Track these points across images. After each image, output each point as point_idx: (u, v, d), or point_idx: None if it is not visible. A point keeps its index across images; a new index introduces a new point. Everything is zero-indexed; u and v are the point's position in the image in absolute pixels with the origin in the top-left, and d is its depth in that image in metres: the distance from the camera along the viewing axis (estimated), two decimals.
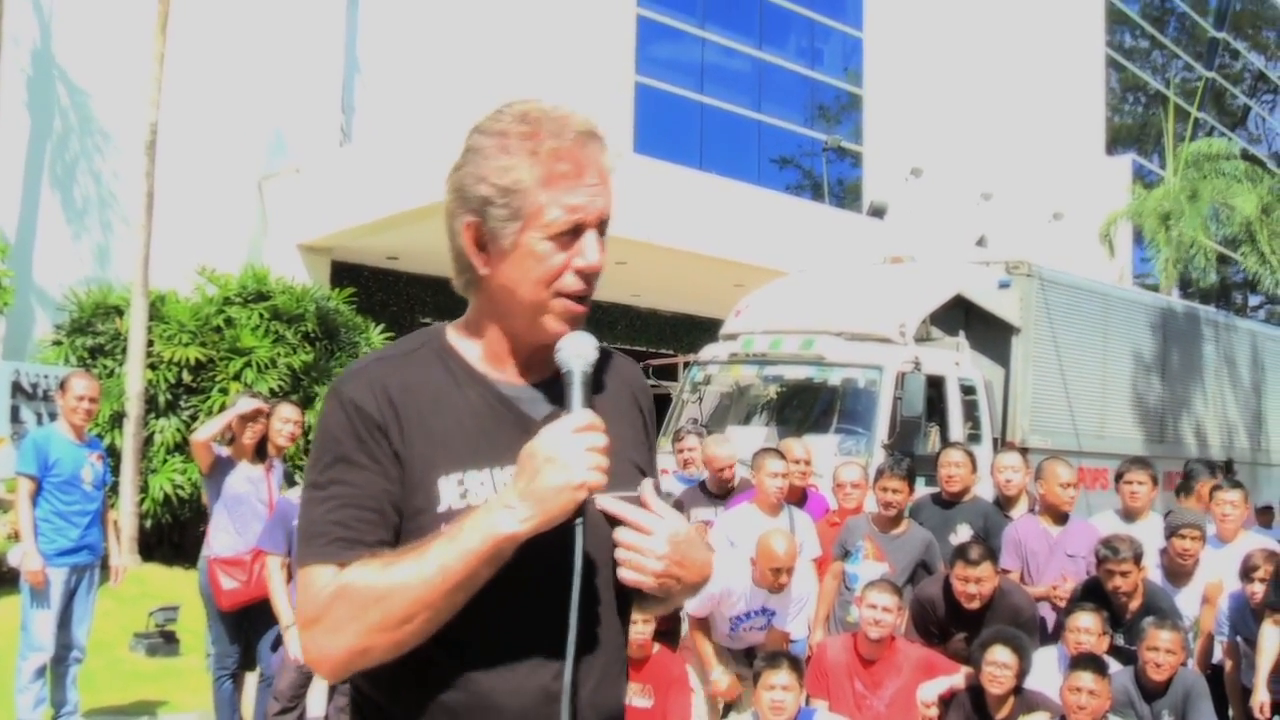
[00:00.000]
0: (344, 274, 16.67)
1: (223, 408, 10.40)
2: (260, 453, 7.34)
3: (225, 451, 7.28)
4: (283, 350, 12.70)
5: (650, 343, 19.00)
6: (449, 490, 1.88)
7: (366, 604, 1.76)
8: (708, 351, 11.73)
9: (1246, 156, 30.56)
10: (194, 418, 12.02)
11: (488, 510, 1.79)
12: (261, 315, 12.81)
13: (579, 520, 1.84)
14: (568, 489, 1.79)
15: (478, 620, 1.82)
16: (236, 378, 12.14)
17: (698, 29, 21.73)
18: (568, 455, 1.79)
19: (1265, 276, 22.83)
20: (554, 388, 1.96)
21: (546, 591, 1.86)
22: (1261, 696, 6.60)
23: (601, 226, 1.93)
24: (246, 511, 7.16)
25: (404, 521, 1.88)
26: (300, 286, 13.73)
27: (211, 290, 13.32)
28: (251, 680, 7.25)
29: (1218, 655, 7.27)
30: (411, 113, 17.03)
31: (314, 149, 16.80)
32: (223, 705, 7.16)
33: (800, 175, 24.21)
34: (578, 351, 1.92)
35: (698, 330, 19.13)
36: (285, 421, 7.39)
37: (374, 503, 1.86)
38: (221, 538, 7.07)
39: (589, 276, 1.93)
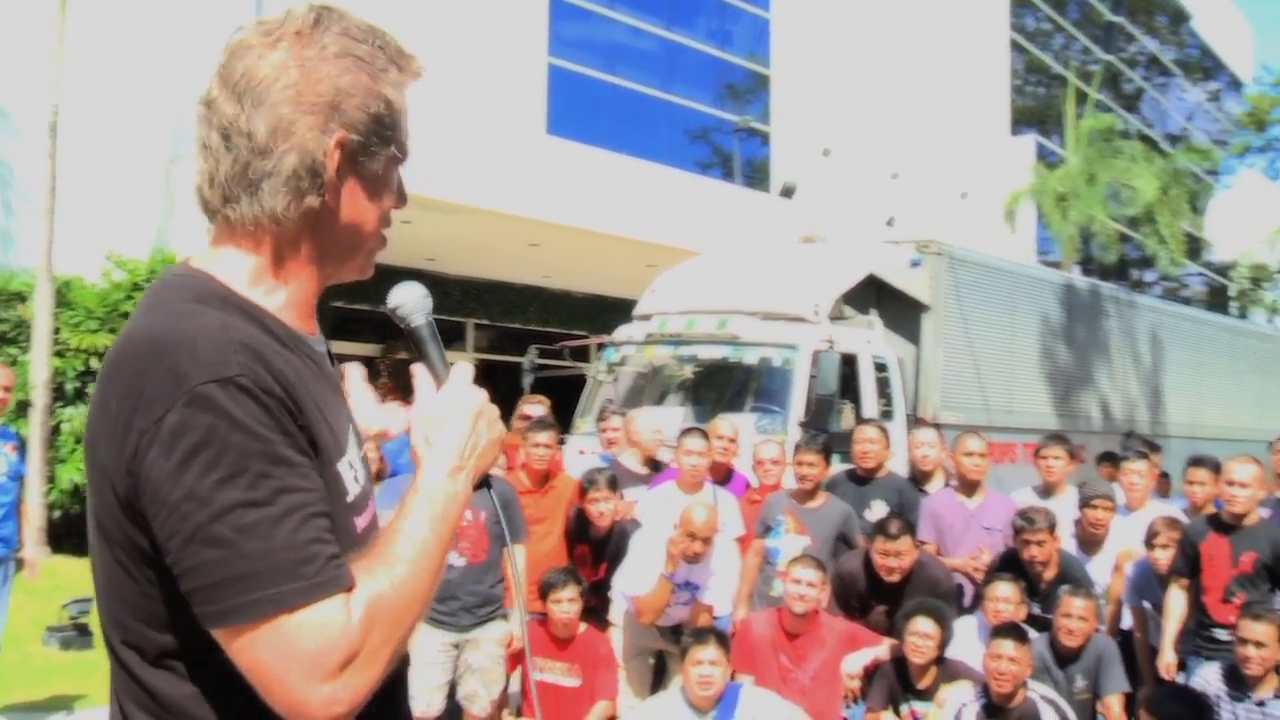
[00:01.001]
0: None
1: None
2: None
3: None
4: None
5: (563, 324, 18.95)
6: (348, 476, 1.66)
7: (402, 616, 1.52)
8: (623, 332, 11.73)
9: (1142, 138, 31.29)
10: None
11: (444, 475, 1.65)
12: None
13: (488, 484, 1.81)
14: (498, 442, 1.76)
15: None
16: None
17: (608, 10, 21.69)
18: (491, 407, 1.75)
19: (1163, 256, 23.40)
20: (320, 341, 1.79)
21: None
22: (1169, 657, 6.81)
23: None
24: None
25: None
26: None
27: (119, 275, 13.06)
28: None
29: (1127, 621, 7.48)
30: None
31: None
32: None
33: (710, 155, 24.28)
34: (419, 305, 1.82)
35: (610, 311, 19.13)
36: None
37: (327, 506, 1.52)
38: None
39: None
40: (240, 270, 1.65)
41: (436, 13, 17.68)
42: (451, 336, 19.24)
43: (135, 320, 1.61)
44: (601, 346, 12.39)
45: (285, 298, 1.68)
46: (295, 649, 1.41)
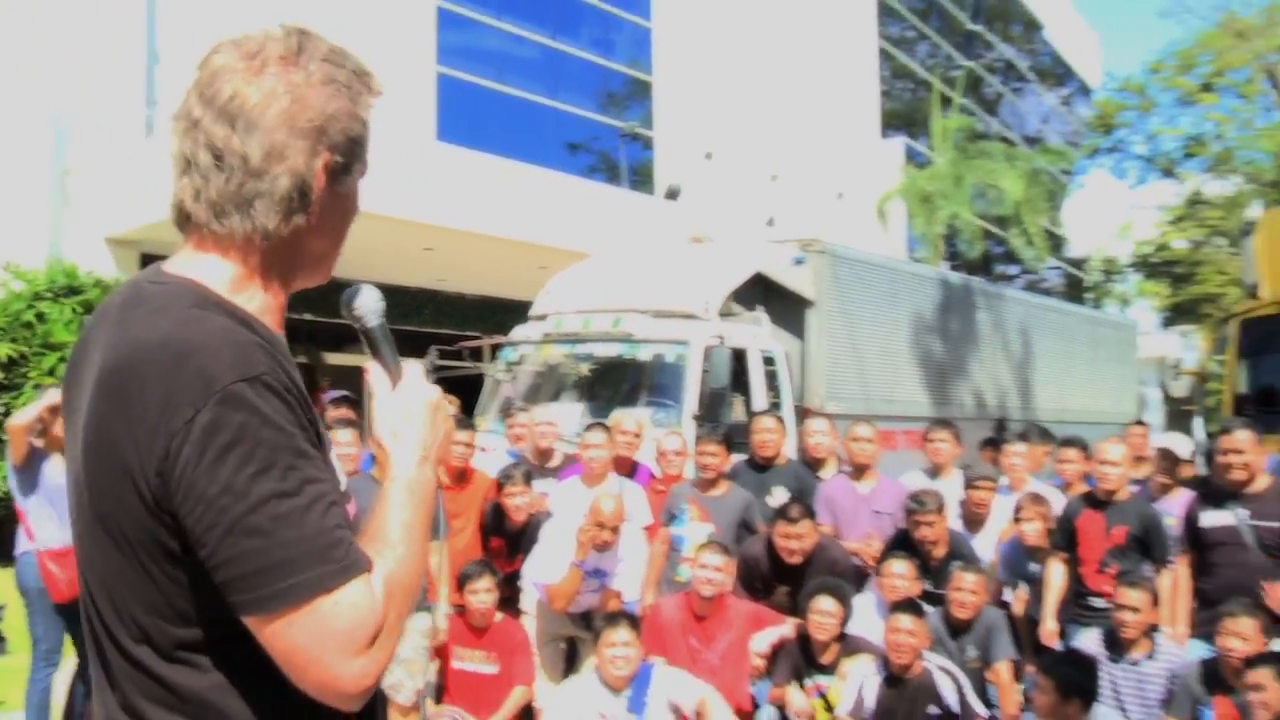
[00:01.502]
0: (148, 268, 16.00)
1: None
2: None
3: (39, 443, 6.98)
4: None
5: (456, 325, 18.86)
6: (337, 468, 1.81)
7: (408, 592, 1.59)
8: (519, 332, 11.72)
9: (1002, 139, 32.04)
10: (7, 414, 11.47)
11: (415, 464, 1.71)
12: (74, 310, 12.33)
13: None
14: (452, 434, 1.86)
15: None
16: (50, 373, 11.67)
17: (495, 20, 21.62)
18: (444, 404, 1.81)
19: (1029, 254, 24.00)
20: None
21: None
22: (1051, 625, 7.04)
23: None
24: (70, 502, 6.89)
25: None
26: (112, 279, 13.24)
27: (19, 286, 12.71)
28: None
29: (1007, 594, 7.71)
30: None
31: (118, 142, 16.13)
32: (43, 701, 6.88)
33: (595, 159, 24.32)
34: (374, 307, 1.85)
35: (503, 312, 19.07)
36: None
37: (338, 494, 1.59)
38: (48, 529, 6.77)
39: None
40: (223, 278, 1.68)
41: (327, 23, 17.44)
42: (348, 339, 19.05)
43: (136, 327, 1.60)
44: (498, 347, 12.36)
45: (263, 304, 1.71)
46: (331, 629, 1.47)
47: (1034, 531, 7.35)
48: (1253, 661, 5.50)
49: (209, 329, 1.56)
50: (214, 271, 1.68)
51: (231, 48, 1.69)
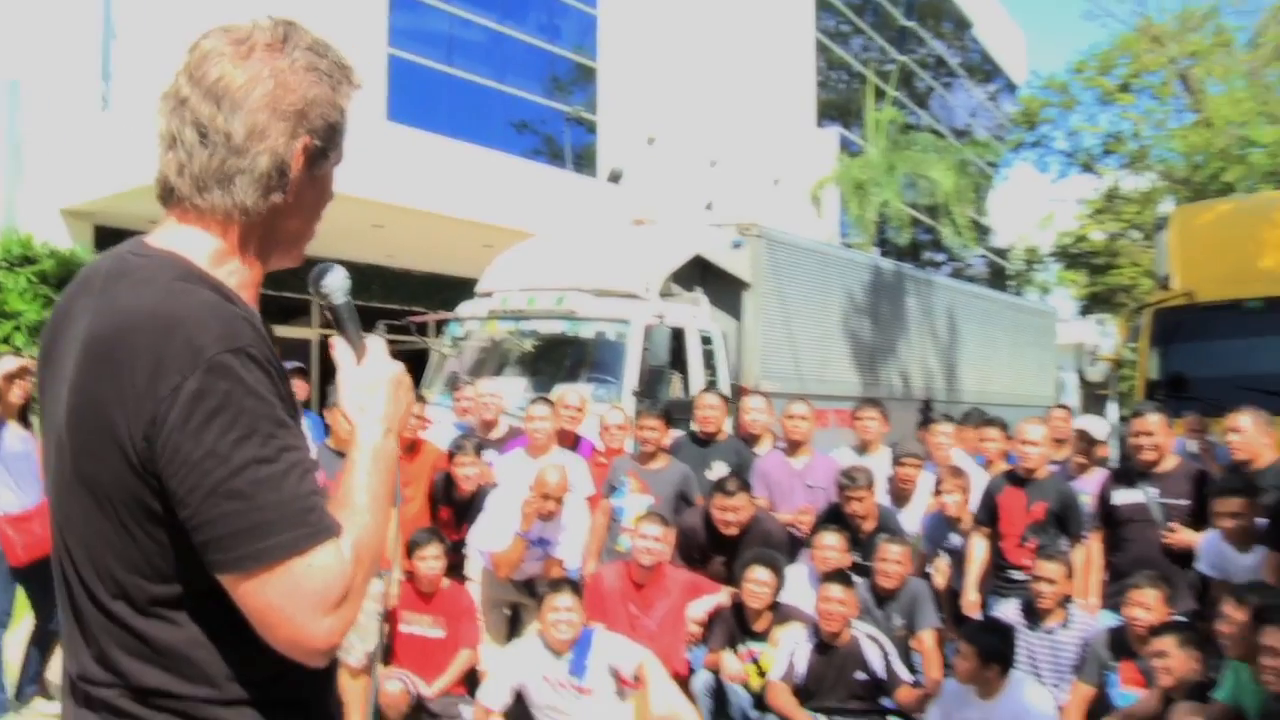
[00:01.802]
0: (107, 238, 15.72)
1: None
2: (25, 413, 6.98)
3: None
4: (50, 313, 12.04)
5: (404, 301, 18.72)
6: (309, 437, 1.85)
7: (373, 555, 1.64)
8: (466, 308, 11.70)
9: (932, 132, 32.32)
10: None
11: (380, 435, 1.75)
12: (29, 280, 12.12)
13: None
14: (411, 406, 1.89)
15: None
16: (5, 341, 11.46)
17: (445, 4, 21.46)
18: (406, 378, 1.85)
19: (958, 243, 24.28)
20: None
21: None
22: (972, 596, 7.19)
23: None
24: (26, 469, 6.82)
25: None
26: (67, 250, 13.03)
27: None
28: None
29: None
30: (170, 78, 16.29)
31: (74, 115, 15.87)
32: None
33: (540, 142, 24.24)
34: (340, 285, 1.89)
35: (449, 289, 18.96)
36: None
37: (311, 462, 1.63)
38: (5, 495, 6.72)
39: None
40: (205, 252, 1.72)
41: (282, 4, 17.28)
42: (296, 312, 18.89)
43: (123, 296, 1.63)
44: (444, 322, 12.33)
45: (242, 278, 1.75)
46: (303, 589, 1.52)
47: (954, 503, 7.50)
48: (1157, 630, 5.67)
49: (195, 301, 1.60)
50: (196, 245, 1.72)
51: (221, 33, 1.74)
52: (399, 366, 1.85)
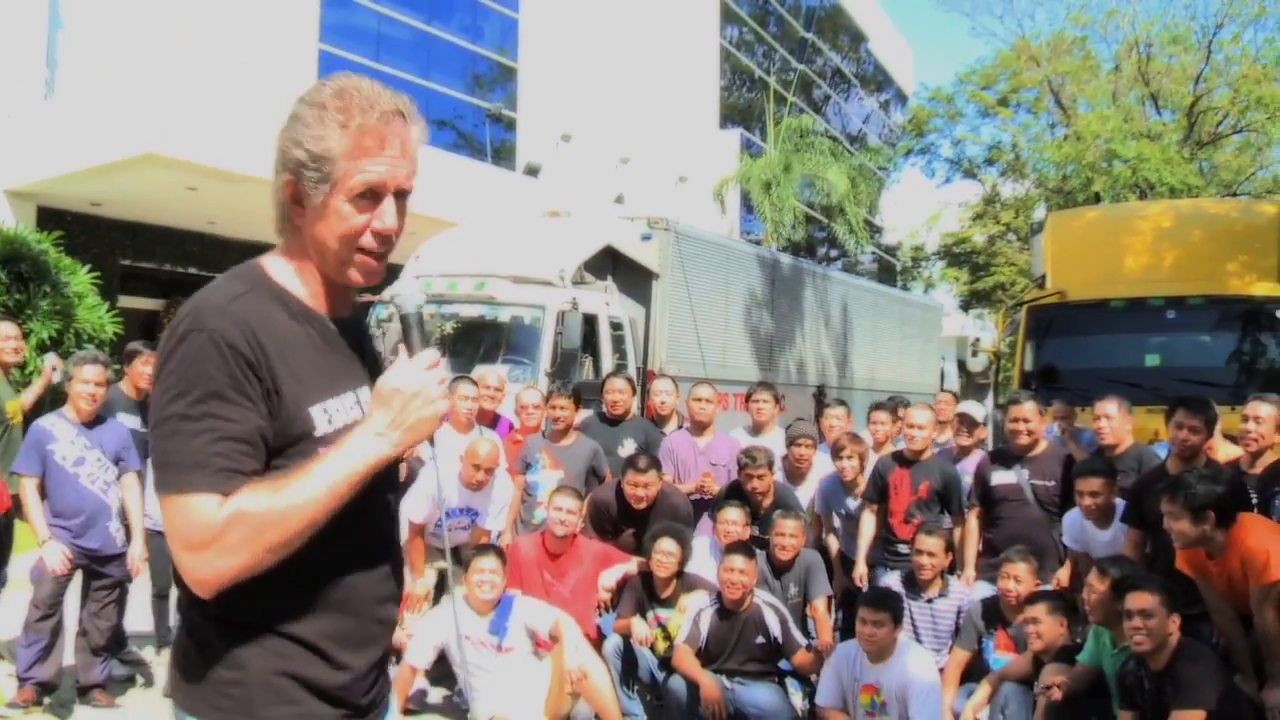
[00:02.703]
0: (49, 218, 15.52)
1: None
2: None
3: None
4: None
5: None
6: (319, 417, 1.91)
7: (263, 527, 1.76)
8: (390, 292, 11.59)
9: (829, 136, 32.62)
10: None
11: (363, 437, 1.86)
12: None
13: (433, 443, 2.01)
14: (435, 419, 1.91)
15: (333, 528, 1.85)
16: None
17: (374, 4, 21.23)
18: (431, 390, 1.90)
19: (851, 241, 24.59)
20: (355, 324, 2.13)
21: (375, 502, 1.99)
22: (861, 569, 7.31)
23: (400, 195, 1.96)
24: None
25: (285, 449, 1.87)
26: (11, 230, 12.68)
27: None
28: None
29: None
30: (113, 68, 15.93)
31: (18, 100, 15.48)
32: None
33: (459, 136, 24.07)
34: (412, 299, 2.04)
35: None
36: (6, 339, 6.95)
37: (248, 436, 1.81)
38: None
39: (384, 237, 1.95)
40: (280, 266, 2.02)
41: (219, 2, 16.97)
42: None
43: None
44: (369, 305, 12.22)
45: (301, 286, 2.00)
46: (174, 522, 1.79)
47: (851, 468, 7.60)
48: (1030, 599, 5.85)
49: (216, 296, 1.89)
50: (274, 260, 2.02)
51: None
52: (422, 380, 1.90)
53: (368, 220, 1.93)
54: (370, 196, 1.92)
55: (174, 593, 6.06)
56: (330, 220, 1.93)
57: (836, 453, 7.69)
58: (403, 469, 7.21)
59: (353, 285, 2.02)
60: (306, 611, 1.90)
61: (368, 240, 1.94)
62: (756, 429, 8.54)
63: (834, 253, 37.36)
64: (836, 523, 7.85)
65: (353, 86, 1.92)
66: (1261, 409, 6.02)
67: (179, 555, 1.78)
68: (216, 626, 1.88)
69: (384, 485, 2.02)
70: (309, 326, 1.97)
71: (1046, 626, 5.63)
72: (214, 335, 1.80)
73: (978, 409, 8.39)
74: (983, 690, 5.93)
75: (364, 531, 1.97)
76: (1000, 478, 7.05)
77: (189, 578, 1.78)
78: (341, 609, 1.94)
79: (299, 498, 1.77)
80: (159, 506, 1.85)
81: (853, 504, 7.62)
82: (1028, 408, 7.06)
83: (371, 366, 2.12)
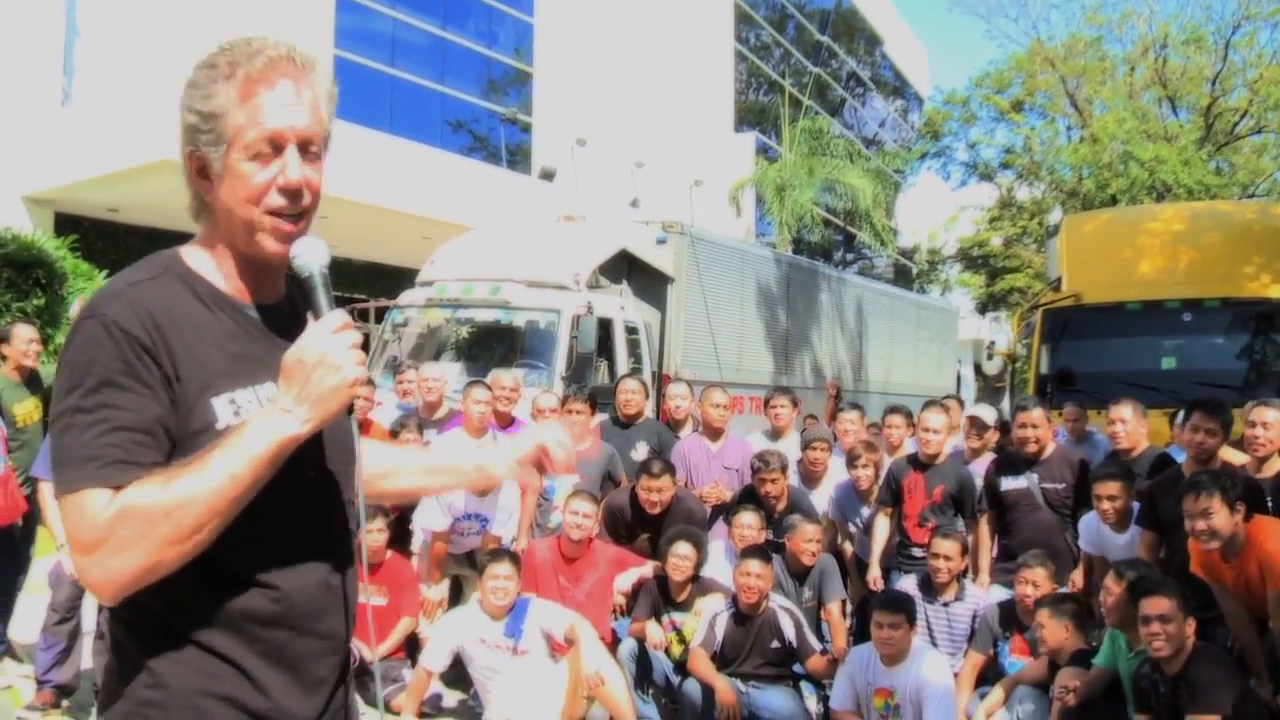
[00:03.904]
0: (66, 224, 15.68)
1: None
2: None
3: None
4: (15, 296, 11.90)
5: (345, 288, 18.55)
6: (223, 409, 1.74)
7: (154, 520, 1.60)
8: (406, 296, 11.67)
9: (845, 140, 32.61)
10: None
11: (267, 416, 1.69)
12: None
13: (351, 413, 1.80)
14: (344, 387, 1.71)
15: (255, 520, 1.70)
16: None
17: (390, 9, 21.32)
18: (336, 356, 1.70)
19: (875, 247, 24.56)
20: (282, 309, 1.92)
21: (313, 488, 1.86)
22: (875, 572, 7.29)
23: (305, 145, 1.79)
24: None
25: (184, 442, 1.70)
26: (29, 235, 12.80)
27: None
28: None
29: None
30: (129, 76, 16.06)
31: (35, 107, 15.63)
32: None
33: (475, 141, 24.15)
34: (314, 256, 1.82)
35: (389, 277, 18.86)
36: (29, 343, 7.00)
37: (145, 425, 1.66)
38: None
39: (293, 192, 1.78)
40: (194, 252, 1.88)
41: (232, 6, 17.05)
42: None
43: None
44: (384, 309, 12.27)
45: (215, 271, 1.86)
46: (69, 523, 1.66)
47: (866, 476, 7.59)
48: (1036, 604, 5.85)
49: (116, 282, 1.80)
50: (192, 246, 1.89)
51: None
52: (332, 344, 1.71)
53: (271, 178, 1.77)
54: (273, 149, 1.76)
55: None
56: (232, 183, 1.77)
57: (851, 461, 7.68)
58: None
59: (270, 258, 1.82)
60: (231, 623, 1.74)
61: (274, 199, 1.77)
62: (775, 434, 8.55)
63: (850, 256, 37.32)
64: (851, 529, 7.84)
65: (240, 39, 1.80)
66: (1268, 414, 5.98)
67: (75, 559, 1.64)
68: (138, 641, 1.74)
69: (324, 482, 1.88)
70: (221, 313, 1.80)
71: (1050, 631, 5.62)
72: (105, 320, 1.67)
73: (988, 412, 8.36)
74: (997, 693, 5.92)
75: (294, 532, 1.80)
76: (1009, 484, 7.03)
77: (85, 582, 1.65)
78: (271, 621, 1.78)
79: (195, 487, 1.61)
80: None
81: (867, 512, 7.61)
82: (1035, 414, 7.03)
83: None
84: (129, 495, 1.61)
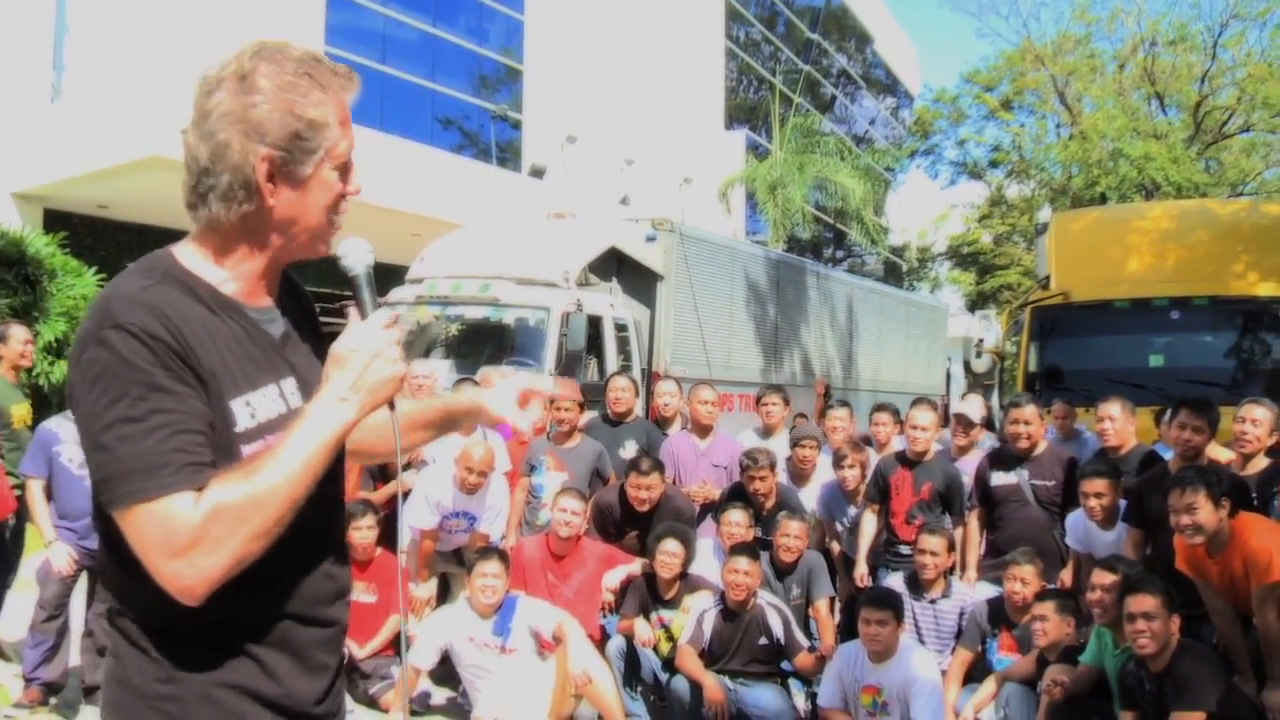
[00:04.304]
0: (55, 220, 15.62)
1: None
2: None
3: None
4: (4, 293, 11.86)
5: (335, 285, 18.19)
6: (242, 411, 1.80)
7: (245, 515, 1.65)
8: (396, 293, 11.64)
9: (835, 137, 32.63)
10: None
11: (326, 403, 1.78)
12: None
13: (393, 407, 1.90)
14: (395, 379, 1.84)
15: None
16: None
17: (380, 6, 21.29)
18: (389, 350, 1.82)
19: (866, 245, 24.60)
20: (275, 311, 1.96)
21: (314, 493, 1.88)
22: (862, 568, 7.32)
23: None
24: None
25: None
26: (16, 231, 12.76)
27: None
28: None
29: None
30: (119, 73, 16.02)
31: (24, 104, 15.57)
32: None
33: (464, 138, 24.13)
34: (360, 256, 1.94)
35: (378, 275, 18.24)
36: (26, 344, 6.99)
37: (200, 425, 1.71)
38: None
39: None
40: (191, 252, 1.87)
41: (223, 4, 17.02)
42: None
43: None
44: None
45: (227, 275, 1.87)
46: (150, 532, 1.65)
47: (853, 476, 7.61)
48: (1040, 596, 5.88)
49: (121, 288, 1.76)
50: (189, 249, 1.88)
51: (211, 65, 1.84)
52: (381, 339, 1.83)
53: (344, 186, 1.89)
54: (348, 162, 1.89)
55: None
56: (316, 191, 1.85)
57: (838, 461, 7.69)
58: (409, 476, 7.26)
59: (317, 258, 1.94)
60: (241, 616, 1.79)
61: (341, 207, 1.91)
62: (767, 431, 8.55)
63: (839, 253, 37.38)
64: (839, 529, 7.86)
65: (311, 54, 1.87)
66: (1256, 411, 6.03)
67: (160, 565, 1.64)
68: (147, 636, 1.79)
69: (324, 476, 1.88)
70: (225, 316, 1.83)
71: (1053, 625, 5.65)
72: (133, 329, 1.68)
73: (974, 409, 8.38)
74: (986, 688, 5.95)
75: (299, 526, 1.82)
76: (1000, 479, 7.06)
77: (174, 586, 1.65)
78: (280, 613, 1.85)
79: (276, 477, 1.68)
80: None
81: (854, 512, 7.63)
82: (1028, 411, 7.07)
83: (303, 356, 1.99)
84: (215, 494, 1.65)
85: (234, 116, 1.77)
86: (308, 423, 1.75)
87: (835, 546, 7.86)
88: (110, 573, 1.82)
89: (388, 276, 13.79)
